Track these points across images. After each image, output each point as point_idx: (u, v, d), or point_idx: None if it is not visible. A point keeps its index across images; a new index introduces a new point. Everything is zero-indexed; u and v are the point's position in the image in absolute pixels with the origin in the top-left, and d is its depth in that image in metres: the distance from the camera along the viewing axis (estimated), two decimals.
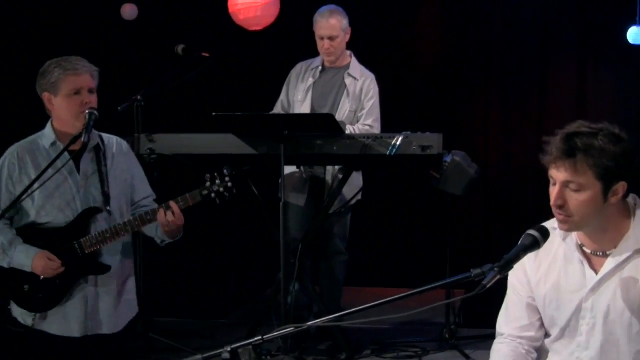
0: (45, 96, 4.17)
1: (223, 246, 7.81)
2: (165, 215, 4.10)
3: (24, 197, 4.09)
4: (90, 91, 4.14)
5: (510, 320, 3.29)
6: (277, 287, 5.95)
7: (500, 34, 7.89)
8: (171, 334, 6.16)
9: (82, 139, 4.03)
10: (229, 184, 4.17)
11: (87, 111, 4.09)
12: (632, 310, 2.97)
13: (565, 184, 2.91)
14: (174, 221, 4.12)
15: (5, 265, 4.19)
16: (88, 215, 4.18)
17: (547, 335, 3.23)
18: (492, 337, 6.36)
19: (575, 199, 2.91)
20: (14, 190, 4.16)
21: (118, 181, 4.30)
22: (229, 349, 2.68)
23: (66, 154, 4.13)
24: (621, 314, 2.98)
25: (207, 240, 7.59)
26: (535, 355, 3.26)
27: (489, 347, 5.81)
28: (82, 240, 4.16)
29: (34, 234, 4.19)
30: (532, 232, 2.90)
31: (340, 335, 6.14)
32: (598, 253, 3.04)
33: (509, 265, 2.79)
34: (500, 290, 3.04)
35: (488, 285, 2.72)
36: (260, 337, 2.72)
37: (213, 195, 4.18)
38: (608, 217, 2.96)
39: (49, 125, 4.24)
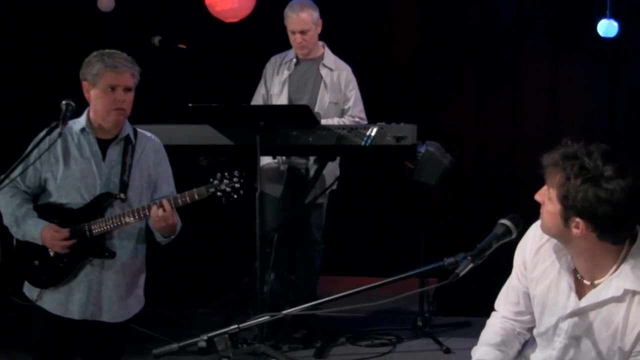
0: (85, 85, 4.26)
1: (199, 236, 7.82)
2: (158, 211, 4.16)
3: (17, 172, 4.19)
4: (127, 89, 4.23)
5: (508, 303, 3.32)
6: (253, 276, 5.98)
7: (474, 26, 7.94)
8: (147, 323, 6.14)
9: (59, 130, 4.08)
10: (237, 185, 4.24)
11: (63, 102, 4.14)
12: (600, 350, 2.98)
13: (547, 186, 2.94)
14: (164, 216, 4.16)
15: (20, 237, 4.32)
16: (102, 200, 4.26)
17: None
18: (465, 324, 6.48)
19: (547, 205, 2.94)
20: (40, 168, 4.26)
21: (141, 174, 4.37)
22: (205, 337, 2.73)
23: (96, 143, 4.28)
24: (591, 348, 3.01)
25: (183, 229, 7.60)
26: (527, 336, 3.31)
27: (462, 335, 5.89)
28: (91, 222, 4.24)
29: (50, 212, 4.29)
30: (504, 221, 2.94)
31: (315, 324, 6.18)
32: (582, 279, 3.03)
33: (481, 254, 2.83)
34: (473, 279, 3.07)
35: (461, 274, 2.78)
36: (236, 326, 2.77)
37: (219, 193, 4.25)
38: (579, 248, 2.94)
39: (85, 112, 4.33)
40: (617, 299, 2.91)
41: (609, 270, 2.93)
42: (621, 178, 2.77)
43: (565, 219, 2.86)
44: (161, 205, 4.17)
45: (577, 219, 2.83)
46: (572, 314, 3.02)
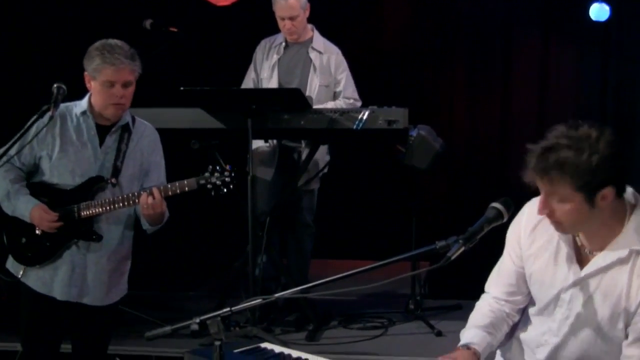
0: (86, 76, 4.29)
1: (191, 219, 7.83)
2: (147, 198, 4.17)
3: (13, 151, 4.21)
4: (126, 84, 4.24)
5: (500, 284, 3.34)
6: (245, 260, 6.00)
7: (465, 8, 7.94)
8: (140, 306, 6.19)
9: (50, 113, 4.10)
10: (227, 179, 4.28)
11: (55, 85, 4.16)
12: (602, 316, 3.02)
13: (548, 194, 2.93)
14: (153, 204, 4.18)
15: (9, 212, 4.35)
16: (93, 184, 4.28)
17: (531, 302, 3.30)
18: (456, 307, 6.50)
19: (561, 209, 2.92)
20: (35, 146, 4.28)
21: (134, 162, 4.39)
22: (197, 320, 2.74)
23: (95, 128, 4.30)
24: (594, 315, 3.04)
25: (175, 213, 7.60)
26: (517, 318, 3.33)
27: (453, 318, 5.91)
28: (81, 204, 4.27)
29: (41, 190, 4.31)
30: (495, 205, 2.95)
31: (307, 307, 6.20)
32: (587, 251, 3.06)
33: (473, 237, 2.84)
34: (464, 262, 3.09)
35: (453, 257, 2.79)
36: (228, 309, 2.78)
37: (209, 186, 4.29)
38: (602, 219, 2.96)
39: (87, 96, 4.35)
40: (622, 261, 2.97)
41: (615, 236, 2.98)
42: (603, 133, 2.88)
43: (591, 201, 2.87)
44: (151, 193, 4.19)
45: (606, 189, 2.87)
46: (575, 283, 3.06)
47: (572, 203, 2.89)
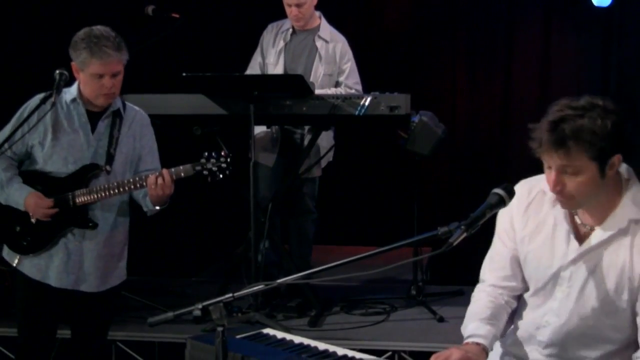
0: (74, 66, 4.26)
1: (194, 205, 7.84)
2: (156, 179, 4.18)
3: (12, 141, 4.24)
4: (115, 74, 4.22)
5: (494, 269, 3.33)
6: (247, 246, 6.01)
7: None
8: (142, 291, 6.20)
9: (52, 99, 4.13)
10: (223, 165, 4.28)
11: (57, 71, 4.18)
12: (605, 290, 3.02)
13: (561, 169, 2.93)
14: (162, 185, 4.19)
15: (2, 201, 4.35)
16: (88, 171, 4.28)
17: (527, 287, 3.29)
18: (458, 293, 6.51)
19: (574, 182, 2.93)
20: (27, 135, 4.27)
21: (127, 148, 4.40)
22: (200, 306, 2.74)
23: (86, 114, 4.30)
24: (596, 290, 3.03)
25: (178, 198, 7.60)
26: (515, 305, 3.32)
27: (455, 303, 5.92)
28: (76, 192, 4.26)
29: (35, 179, 4.31)
30: (497, 190, 2.93)
31: (309, 293, 6.20)
32: (586, 225, 3.07)
33: (475, 223, 2.82)
34: (466, 248, 3.09)
35: (454, 243, 2.78)
36: (230, 295, 2.78)
37: (205, 172, 4.29)
38: (604, 191, 2.99)
39: (77, 83, 4.33)
40: (622, 232, 2.99)
41: (613, 209, 3.01)
42: (606, 101, 2.96)
43: (602, 170, 2.92)
44: (161, 175, 4.19)
45: (616, 156, 2.92)
46: (574, 260, 3.06)
47: (586, 174, 2.91)
